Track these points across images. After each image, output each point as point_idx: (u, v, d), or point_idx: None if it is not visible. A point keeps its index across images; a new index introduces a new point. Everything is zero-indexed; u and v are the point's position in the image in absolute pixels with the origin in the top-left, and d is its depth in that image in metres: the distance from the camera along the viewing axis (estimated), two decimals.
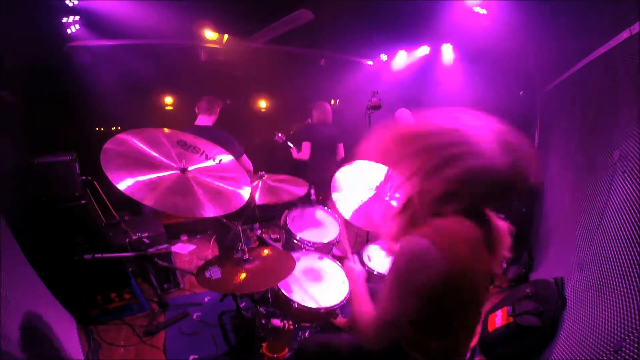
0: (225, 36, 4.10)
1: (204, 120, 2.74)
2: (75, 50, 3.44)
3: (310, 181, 2.55)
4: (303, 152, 3.38)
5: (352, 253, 1.48)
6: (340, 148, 3.67)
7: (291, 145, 3.50)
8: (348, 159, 3.37)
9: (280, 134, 3.56)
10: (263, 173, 2.31)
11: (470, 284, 0.88)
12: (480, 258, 0.88)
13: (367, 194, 2.19)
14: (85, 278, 2.26)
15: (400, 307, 0.86)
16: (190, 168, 1.57)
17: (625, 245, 1.36)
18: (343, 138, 3.64)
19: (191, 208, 1.42)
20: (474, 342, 1.07)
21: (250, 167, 2.85)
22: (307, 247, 2.24)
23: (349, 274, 1.32)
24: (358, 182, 2.26)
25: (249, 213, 2.17)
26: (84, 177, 2.39)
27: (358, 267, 1.33)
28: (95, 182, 2.57)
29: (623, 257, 1.36)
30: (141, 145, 1.49)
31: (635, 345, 1.12)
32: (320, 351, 1.29)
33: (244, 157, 2.83)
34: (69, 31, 3.24)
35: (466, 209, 0.85)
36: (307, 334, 1.92)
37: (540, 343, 1.79)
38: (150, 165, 1.46)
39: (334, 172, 3.62)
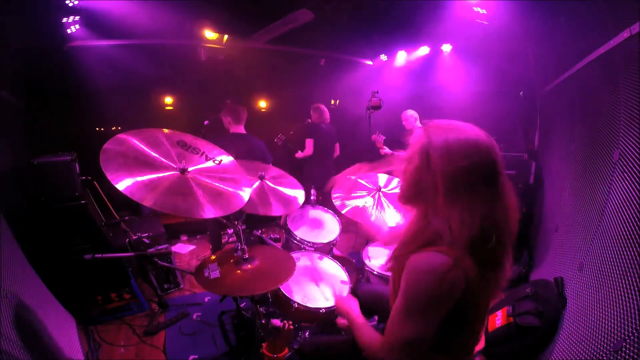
0: (225, 36, 4.10)
1: (238, 128, 2.93)
2: (75, 50, 3.44)
3: (311, 179, 2.59)
4: (307, 149, 3.55)
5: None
6: (336, 147, 3.86)
7: (291, 146, 3.66)
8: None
9: (280, 135, 3.70)
10: (262, 173, 2.31)
11: (486, 294, 0.88)
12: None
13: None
14: (85, 278, 2.26)
15: (425, 326, 0.83)
16: (190, 169, 1.57)
17: (625, 245, 1.36)
18: (339, 138, 3.84)
19: (191, 209, 1.42)
20: (479, 347, 1.06)
21: None
22: (307, 247, 2.24)
23: (342, 307, 1.25)
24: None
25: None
26: (84, 177, 2.40)
27: (348, 299, 1.29)
28: (95, 182, 2.57)
29: (623, 257, 1.36)
30: (141, 145, 1.49)
31: (635, 345, 1.12)
32: (322, 352, 1.29)
33: (271, 165, 3.02)
34: (69, 31, 3.24)
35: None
36: (307, 334, 1.92)
37: (540, 343, 1.79)
38: (150, 165, 1.46)
39: (332, 168, 3.81)
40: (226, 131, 2.97)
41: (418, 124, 3.73)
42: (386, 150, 3.75)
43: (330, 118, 3.78)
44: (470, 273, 0.80)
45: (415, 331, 0.83)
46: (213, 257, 1.63)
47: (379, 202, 2.26)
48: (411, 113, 3.72)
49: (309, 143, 3.56)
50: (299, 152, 3.64)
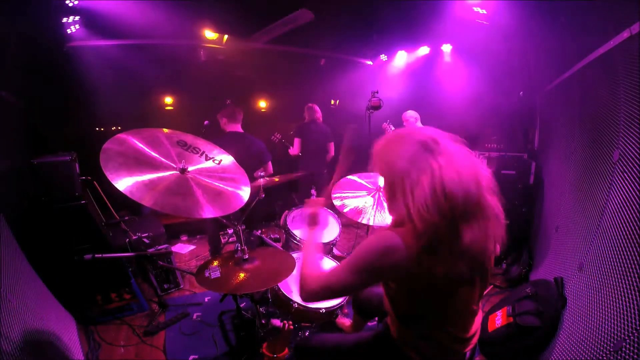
0: (225, 36, 4.10)
1: (234, 127, 2.93)
2: (75, 50, 3.44)
3: (302, 177, 2.61)
4: (294, 148, 3.77)
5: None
6: (331, 147, 3.94)
7: (287, 144, 3.85)
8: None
9: (277, 134, 3.93)
10: (262, 173, 2.31)
11: (441, 279, 0.89)
12: (454, 258, 0.89)
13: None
14: (85, 278, 2.25)
15: (352, 281, 0.94)
16: (190, 168, 1.57)
17: (625, 245, 1.36)
18: (334, 138, 3.91)
19: (190, 209, 1.42)
20: (473, 343, 1.07)
21: (271, 170, 3.10)
22: None
23: (312, 206, 1.34)
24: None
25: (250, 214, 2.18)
26: (84, 177, 2.40)
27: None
28: (95, 182, 2.57)
29: (623, 257, 1.36)
30: (141, 145, 1.49)
31: (635, 345, 1.12)
32: (320, 349, 1.29)
33: (270, 163, 3.07)
34: (69, 31, 3.25)
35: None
36: (307, 334, 1.92)
37: (540, 343, 1.79)
38: (150, 165, 1.46)
39: (324, 167, 3.85)
40: (223, 131, 2.96)
41: (419, 124, 3.73)
42: None
43: (331, 118, 3.81)
44: (417, 255, 0.87)
45: (342, 282, 0.96)
46: (215, 262, 1.63)
47: (379, 202, 2.26)
48: (411, 113, 3.71)
49: (297, 142, 3.75)
50: (291, 149, 3.84)
